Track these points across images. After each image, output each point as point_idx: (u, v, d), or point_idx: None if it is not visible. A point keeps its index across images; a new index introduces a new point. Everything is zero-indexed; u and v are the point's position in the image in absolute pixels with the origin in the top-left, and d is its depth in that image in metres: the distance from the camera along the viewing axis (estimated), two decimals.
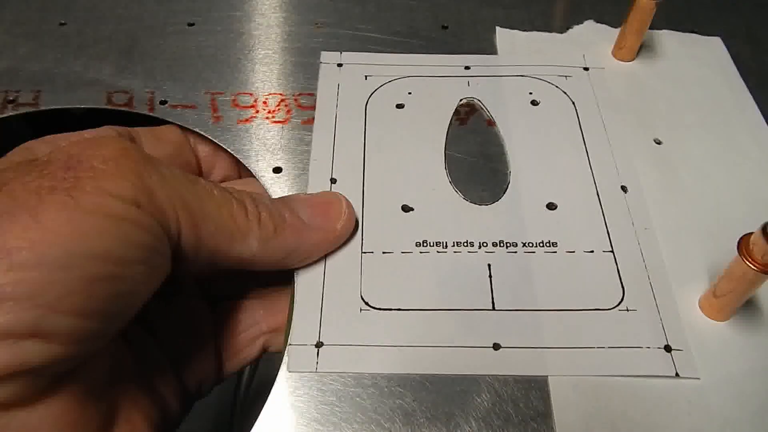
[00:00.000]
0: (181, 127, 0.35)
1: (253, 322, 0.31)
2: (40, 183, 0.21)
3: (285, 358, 0.27)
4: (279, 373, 0.27)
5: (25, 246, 0.19)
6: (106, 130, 0.28)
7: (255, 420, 0.26)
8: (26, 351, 0.19)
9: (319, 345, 0.28)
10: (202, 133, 0.35)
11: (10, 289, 0.19)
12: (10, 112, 0.36)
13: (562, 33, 0.43)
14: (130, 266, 0.22)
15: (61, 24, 0.42)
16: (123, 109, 0.36)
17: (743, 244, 0.26)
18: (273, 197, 0.31)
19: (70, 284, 0.20)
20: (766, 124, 0.37)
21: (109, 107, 0.36)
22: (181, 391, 0.29)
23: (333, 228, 0.30)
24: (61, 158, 0.22)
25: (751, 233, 0.26)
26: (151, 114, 0.36)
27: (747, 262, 0.26)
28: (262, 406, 0.26)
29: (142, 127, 0.31)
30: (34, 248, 0.19)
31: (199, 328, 0.31)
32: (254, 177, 0.34)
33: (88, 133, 0.27)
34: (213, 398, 0.33)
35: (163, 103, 0.37)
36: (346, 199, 0.31)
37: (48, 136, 0.24)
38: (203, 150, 0.35)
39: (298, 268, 0.30)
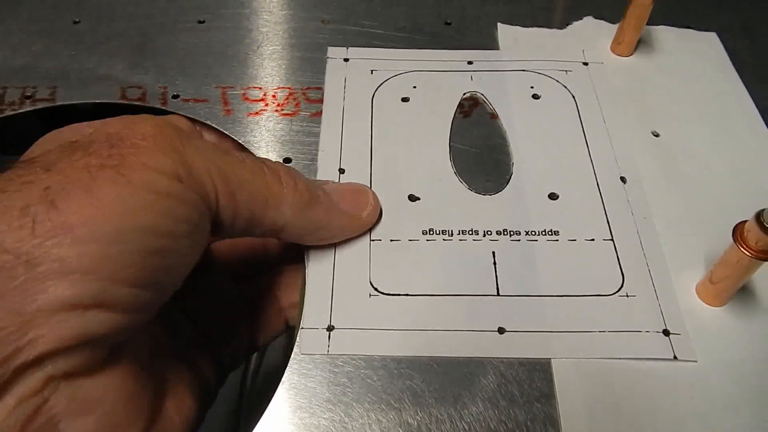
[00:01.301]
0: (187, 118, 0.36)
1: (274, 299, 0.33)
2: (88, 161, 0.21)
3: (297, 341, 0.28)
4: (292, 355, 0.28)
5: (84, 221, 0.20)
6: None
7: (267, 402, 0.27)
8: (92, 320, 0.20)
9: (330, 328, 0.29)
10: (213, 125, 0.36)
11: (74, 263, 0.19)
12: (28, 107, 0.37)
13: (562, 29, 0.44)
14: (177, 240, 0.23)
15: (75, 22, 0.43)
16: (137, 103, 0.37)
17: (738, 231, 0.27)
18: None
19: (127, 257, 0.21)
20: (761, 116, 0.38)
21: (123, 102, 0.37)
22: (216, 364, 0.30)
23: (359, 215, 0.31)
24: (102, 137, 0.22)
25: (746, 221, 0.27)
26: (164, 108, 0.37)
27: (742, 249, 0.27)
28: (272, 389, 0.27)
29: None
30: (91, 223, 0.20)
31: (230, 305, 0.32)
32: None
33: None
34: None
35: (175, 97, 0.38)
36: (373, 192, 0.32)
37: (74, 125, 0.24)
38: (209, 137, 0.36)
39: (309, 256, 0.31)
